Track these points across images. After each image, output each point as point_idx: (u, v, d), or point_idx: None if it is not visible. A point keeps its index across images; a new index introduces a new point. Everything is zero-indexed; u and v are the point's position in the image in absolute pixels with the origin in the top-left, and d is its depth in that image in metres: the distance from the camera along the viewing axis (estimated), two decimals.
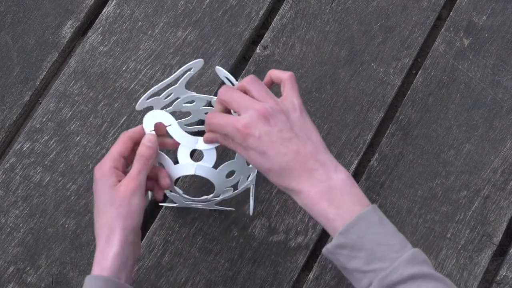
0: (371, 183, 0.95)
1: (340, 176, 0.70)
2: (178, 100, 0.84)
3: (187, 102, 0.86)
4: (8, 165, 0.94)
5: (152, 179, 0.79)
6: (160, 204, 0.92)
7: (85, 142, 0.95)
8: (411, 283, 0.66)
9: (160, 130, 0.78)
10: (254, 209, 0.93)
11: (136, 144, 0.77)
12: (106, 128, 0.96)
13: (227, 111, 0.77)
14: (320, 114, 0.97)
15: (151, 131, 0.77)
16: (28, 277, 0.91)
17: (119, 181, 0.74)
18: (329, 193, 0.70)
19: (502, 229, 0.94)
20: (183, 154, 0.78)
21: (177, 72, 0.78)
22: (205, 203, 0.86)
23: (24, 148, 0.95)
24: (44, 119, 0.96)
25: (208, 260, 0.92)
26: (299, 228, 0.93)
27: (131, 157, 0.77)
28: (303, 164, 0.70)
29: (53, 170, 0.94)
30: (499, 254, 0.96)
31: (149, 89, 0.97)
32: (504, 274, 0.93)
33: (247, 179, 0.86)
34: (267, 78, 0.78)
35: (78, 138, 0.95)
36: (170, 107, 0.85)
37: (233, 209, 0.92)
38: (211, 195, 0.83)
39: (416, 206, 0.94)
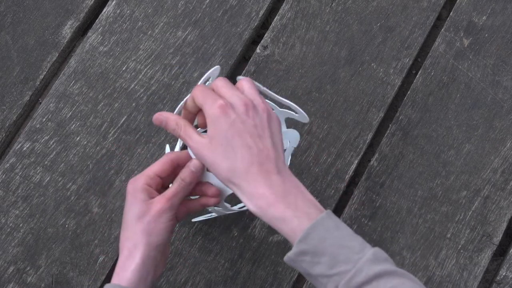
0: (371, 183, 0.95)
1: (294, 183, 0.70)
2: None
3: None
4: (8, 165, 0.94)
5: (196, 193, 0.78)
6: (192, 220, 0.91)
7: (85, 142, 0.95)
8: (376, 282, 0.65)
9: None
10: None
11: (177, 167, 0.76)
12: (106, 128, 0.96)
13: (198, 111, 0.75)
14: (320, 114, 0.97)
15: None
16: (28, 277, 0.91)
17: (151, 198, 0.74)
18: (284, 196, 0.69)
19: (502, 229, 0.94)
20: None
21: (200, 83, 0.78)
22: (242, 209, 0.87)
23: (24, 148, 0.95)
24: (44, 119, 0.96)
25: (208, 260, 0.92)
26: None
27: (169, 179, 0.76)
28: (263, 164, 0.69)
29: (53, 170, 0.94)
30: (499, 254, 0.96)
31: (149, 89, 0.97)
32: (504, 274, 0.93)
33: None
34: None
35: (78, 138, 0.95)
36: None
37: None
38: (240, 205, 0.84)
39: (416, 206, 0.94)
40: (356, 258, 0.66)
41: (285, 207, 0.68)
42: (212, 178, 0.77)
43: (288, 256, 0.68)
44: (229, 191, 0.77)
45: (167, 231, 0.74)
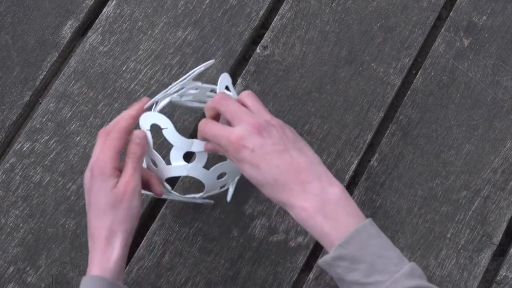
0: (371, 183, 0.95)
1: (335, 190, 0.70)
2: (182, 90, 0.84)
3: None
4: (8, 165, 0.94)
5: (143, 182, 0.78)
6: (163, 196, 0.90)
7: (85, 142, 0.95)
8: None
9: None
10: (232, 198, 0.92)
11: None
12: None
13: (217, 117, 0.77)
14: (320, 114, 0.97)
15: (147, 130, 0.77)
16: (28, 277, 0.91)
17: (118, 175, 0.74)
18: (324, 207, 0.69)
19: (502, 229, 0.94)
20: (176, 156, 0.78)
21: (192, 72, 0.79)
22: (190, 199, 0.87)
23: (24, 148, 0.95)
24: (44, 119, 0.96)
25: (208, 260, 0.92)
26: (299, 228, 0.93)
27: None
28: (297, 176, 0.70)
29: (53, 170, 0.94)
30: (499, 254, 0.96)
31: (149, 89, 0.97)
32: (504, 274, 0.93)
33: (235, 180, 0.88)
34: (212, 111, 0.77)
35: (78, 138, 0.95)
36: (175, 94, 0.85)
37: (212, 202, 0.91)
38: (200, 194, 0.84)
39: (416, 206, 0.94)
40: (394, 270, 0.67)
41: (323, 219, 0.68)
42: (158, 159, 0.77)
43: (325, 259, 0.68)
44: (169, 175, 0.78)
45: (138, 215, 0.75)
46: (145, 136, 0.77)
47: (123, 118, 0.77)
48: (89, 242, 0.75)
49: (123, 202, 0.73)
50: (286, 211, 0.71)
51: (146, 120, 0.78)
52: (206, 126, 0.74)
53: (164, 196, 0.83)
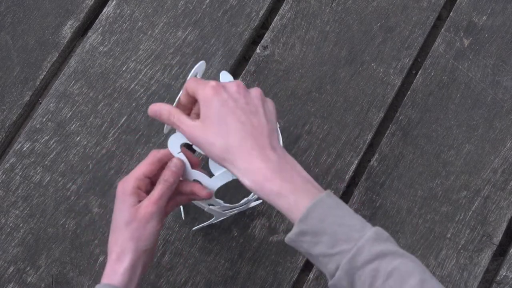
0: (371, 183, 0.95)
1: (290, 160, 0.70)
2: None
3: None
4: (8, 165, 0.94)
5: (185, 194, 0.78)
6: (193, 229, 0.92)
7: (85, 142, 0.95)
8: (379, 261, 0.65)
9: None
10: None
11: (164, 164, 0.76)
12: (106, 128, 0.96)
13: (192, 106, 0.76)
14: (320, 114, 0.97)
15: (178, 153, 0.76)
16: (28, 277, 0.91)
17: (140, 201, 0.74)
18: (281, 171, 0.68)
19: (502, 229, 0.94)
20: (214, 166, 0.77)
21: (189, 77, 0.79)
22: (240, 207, 0.86)
23: (24, 148, 0.95)
24: (44, 119, 0.96)
25: (208, 260, 0.92)
26: None
27: (157, 177, 0.76)
28: (257, 139, 0.69)
29: (53, 170, 0.94)
30: (499, 254, 0.96)
31: (149, 89, 0.97)
32: (504, 274, 0.93)
33: None
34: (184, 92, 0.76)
35: (78, 138, 0.95)
36: None
37: (260, 201, 0.90)
38: (246, 198, 0.83)
39: (416, 206, 0.94)
40: (357, 237, 0.65)
41: (282, 182, 0.67)
42: (199, 175, 0.77)
43: (289, 236, 0.68)
44: (216, 187, 0.77)
45: (154, 236, 0.74)
46: (183, 166, 0.76)
47: (162, 150, 0.77)
48: (107, 254, 0.76)
49: (138, 222, 0.73)
50: (234, 173, 0.69)
51: (175, 141, 0.76)
52: (193, 80, 0.73)
53: (214, 209, 0.83)
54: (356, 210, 0.94)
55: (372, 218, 0.94)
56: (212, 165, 0.77)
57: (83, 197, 0.93)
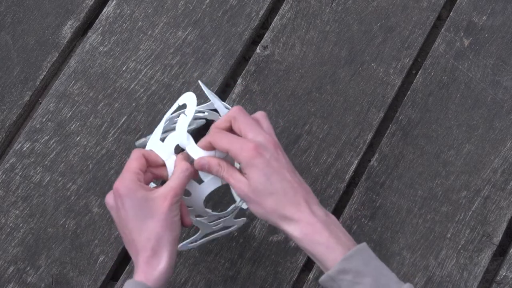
0: (371, 183, 0.95)
1: (333, 217, 0.73)
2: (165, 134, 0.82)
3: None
4: (8, 165, 0.94)
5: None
6: (180, 249, 0.87)
7: (85, 142, 0.95)
8: None
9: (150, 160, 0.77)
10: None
11: (148, 162, 0.76)
12: (106, 128, 0.96)
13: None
14: (320, 114, 0.97)
15: (167, 160, 0.76)
16: (28, 277, 0.91)
17: (149, 191, 0.73)
18: (328, 225, 0.71)
19: (502, 229, 0.94)
20: (204, 173, 0.77)
21: (167, 115, 0.79)
22: (226, 222, 0.85)
23: (24, 148, 0.95)
24: (44, 119, 0.96)
25: (208, 260, 0.92)
26: None
27: (146, 176, 0.75)
28: (304, 195, 0.72)
29: (53, 170, 0.94)
30: (499, 254, 0.96)
31: (149, 89, 0.97)
32: (504, 274, 0.93)
33: None
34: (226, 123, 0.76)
35: (78, 138, 0.95)
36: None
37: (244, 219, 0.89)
38: (234, 205, 0.83)
39: (416, 206, 0.94)
40: (396, 287, 0.69)
41: (329, 235, 0.70)
42: (190, 183, 0.76)
43: (328, 274, 0.69)
44: (206, 193, 0.76)
45: (179, 224, 0.74)
46: (192, 172, 0.75)
47: (140, 149, 0.77)
48: (131, 254, 0.74)
49: (163, 213, 0.72)
50: (282, 227, 0.72)
51: (171, 141, 0.76)
52: (220, 134, 0.73)
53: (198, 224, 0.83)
54: (356, 210, 0.94)
55: (372, 218, 0.94)
56: (201, 173, 0.77)
57: (83, 197, 0.93)
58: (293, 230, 0.71)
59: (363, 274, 0.68)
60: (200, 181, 0.77)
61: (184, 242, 0.85)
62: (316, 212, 0.71)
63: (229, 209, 0.83)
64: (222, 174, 0.74)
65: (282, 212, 0.71)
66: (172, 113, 0.82)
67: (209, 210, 0.80)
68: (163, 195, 0.72)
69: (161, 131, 0.79)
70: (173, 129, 0.80)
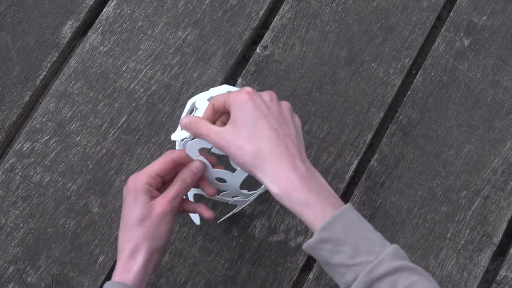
0: (371, 183, 0.95)
1: (316, 173, 0.71)
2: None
3: None
4: (8, 165, 0.94)
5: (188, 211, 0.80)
6: (218, 221, 0.92)
7: (85, 142, 0.95)
8: (396, 275, 0.65)
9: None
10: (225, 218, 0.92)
11: (178, 166, 0.76)
12: (106, 128, 0.96)
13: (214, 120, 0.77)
14: (320, 114, 0.97)
15: (198, 156, 0.76)
16: (28, 277, 0.91)
17: (152, 198, 0.74)
18: (309, 181, 0.69)
19: (502, 229, 0.94)
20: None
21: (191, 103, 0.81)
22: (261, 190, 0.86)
23: (24, 148, 0.95)
24: (44, 119, 0.96)
25: (208, 260, 0.92)
26: (299, 228, 0.93)
27: (170, 177, 0.76)
28: (288, 148, 0.69)
29: (53, 170, 0.94)
30: (499, 254, 0.96)
31: (149, 89, 0.97)
32: (504, 274, 0.93)
33: None
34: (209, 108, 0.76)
35: (78, 138, 0.95)
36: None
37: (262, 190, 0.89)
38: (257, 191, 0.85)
39: (416, 206, 0.94)
40: (378, 251, 0.66)
41: (309, 192, 0.68)
42: (221, 173, 0.78)
43: (308, 243, 0.68)
44: (242, 179, 0.78)
45: (167, 234, 0.74)
46: (203, 169, 0.76)
47: (178, 151, 0.77)
48: (118, 251, 0.75)
49: (151, 219, 0.73)
50: (260, 179, 0.69)
51: (194, 148, 0.76)
52: (219, 96, 0.74)
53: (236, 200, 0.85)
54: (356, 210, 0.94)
55: (372, 218, 0.94)
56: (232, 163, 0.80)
57: (83, 197, 0.93)
58: (271, 184, 0.69)
59: (343, 242, 0.66)
60: (233, 170, 0.79)
61: (225, 217, 0.89)
62: (299, 167, 0.69)
63: (262, 187, 0.85)
64: (200, 131, 0.73)
65: (260, 163, 0.69)
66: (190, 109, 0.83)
67: (245, 191, 0.82)
68: (159, 203, 0.73)
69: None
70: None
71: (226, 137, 0.70)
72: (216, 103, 0.74)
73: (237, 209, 0.90)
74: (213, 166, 0.78)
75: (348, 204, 0.69)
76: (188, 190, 0.76)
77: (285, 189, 0.68)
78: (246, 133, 0.69)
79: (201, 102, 0.80)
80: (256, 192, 0.86)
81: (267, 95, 0.72)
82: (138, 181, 0.74)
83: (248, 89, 0.72)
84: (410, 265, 0.67)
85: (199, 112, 0.78)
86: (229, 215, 0.91)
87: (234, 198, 0.84)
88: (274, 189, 0.69)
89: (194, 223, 0.92)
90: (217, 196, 0.82)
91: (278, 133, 0.70)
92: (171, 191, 0.74)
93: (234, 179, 0.78)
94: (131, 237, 0.73)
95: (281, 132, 0.70)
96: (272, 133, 0.69)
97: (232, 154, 0.71)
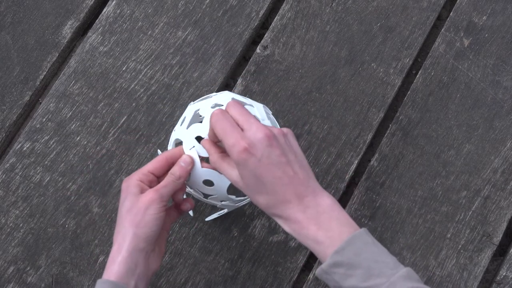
0: (371, 183, 0.95)
1: (327, 201, 0.71)
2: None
3: None
4: (8, 165, 0.94)
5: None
6: (206, 219, 0.92)
7: (85, 142, 0.95)
8: None
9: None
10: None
11: (171, 164, 0.78)
12: (106, 128, 0.96)
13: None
14: (320, 114, 0.97)
15: (191, 149, 0.78)
16: (28, 277, 0.91)
17: (143, 192, 0.76)
18: (317, 217, 0.70)
19: (502, 229, 0.94)
20: None
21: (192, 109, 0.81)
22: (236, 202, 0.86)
23: (24, 148, 0.95)
24: (44, 119, 0.96)
25: (208, 260, 0.92)
26: None
27: (164, 177, 0.78)
28: (295, 190, 0.71)
29: (53, 170, 0.94)
30: (499, 254, 0.96)
31: (149, 89, 0.97)
32: (504, 274, 0.93)
33: None
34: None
35: (78, 138, 0.95)
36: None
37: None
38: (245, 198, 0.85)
39: (416, 206, 0.94)
40: (390, 273, 0.68)
41: (318, 229, 0.70)
42: (209, 174, 0.78)
43: (322, 268, 0.69)
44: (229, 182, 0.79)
45: (155, 223, 0.75)
46: (191, 162, 0.78)
47: (171, 150, 0.80)
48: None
49: (137, 207, 0.74)
50: (276, 221, 0.73)
51: (191, 134, 0.78)
52: (221, 117, 0.73)
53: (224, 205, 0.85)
54: (356, 210, 0.94)
55: (372, 218, 0.94)
56: None
57: (83, 197, 0.93)
58: (284, 226, 0.72)
59: (355, 265, 0.68)
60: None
61: (211, 217, 0.89)
62: (308, 207, 0.71)
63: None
64: (218, 166, 0.75)
65: (272, 211, 0.72)
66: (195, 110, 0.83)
67: (233, 196, 0.82)
68: (146, 193, 0.75)
69: (187, 123, 0.81)
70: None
71: (239, 184, 0.73)
72: (217, 134, 0.74)
73: (224, 212, 0.90)
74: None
75: (363, 229, 0.71)
76: (179, 184, 0.77)
77: (294, 230, 0.71)
78: (254, 188, 0.72)
79: (205, 110, 0.81)
80: (244, 200, 0.85)
81: (264, 140, 0.71)
82: (130, 179, 0.77)
83: (243, 144, 0.70)
84: (423, 287, 0.68)
85: (206, 121, 0.79)
86: (215, 215, 0.91)
87: (223, 203, 0.84)
88: (287, 229, 0.72)
89: (194, 224, 0.92)
90: (205, 199, 0.83)
91: (282, 179, 0.71)
92: (160, 183, 0.77)
93: (222, 182, 0.79)
94: (120, 229, 0.75)
95: (285, 178, 0.71)
96: (277, 185, 0.71)
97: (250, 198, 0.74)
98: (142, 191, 0.76)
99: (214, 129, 0.73)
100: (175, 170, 0.77)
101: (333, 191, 0.94)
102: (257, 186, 0.71)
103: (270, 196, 0.71)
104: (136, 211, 0.74)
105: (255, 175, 0.71)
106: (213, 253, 0.92)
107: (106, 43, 0.99)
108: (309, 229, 0.70)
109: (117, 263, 0.73)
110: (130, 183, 0.76)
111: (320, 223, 0.70)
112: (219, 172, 0.76)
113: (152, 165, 0.78)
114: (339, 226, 0.70)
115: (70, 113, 0.96)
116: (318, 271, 0.70)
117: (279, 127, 0.84)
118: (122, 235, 0.74)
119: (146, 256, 0.75)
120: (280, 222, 0.72)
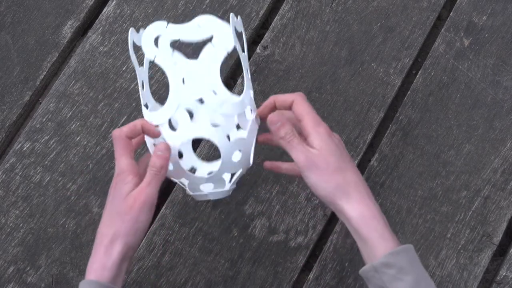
0: (371, 183, 0.95)
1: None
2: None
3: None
4: (8, 165, 0.94)
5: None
6: (197, 200, 0.88)
7: (85, 142, 0.95)
8: None
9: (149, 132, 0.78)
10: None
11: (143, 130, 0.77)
12: (106, 128, 0.96)
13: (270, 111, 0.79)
14: (320, 114, 0.96)
15: (156, 126, 0.77)
16: (28, 277, 0.91)
17: (136, 184, 0.75)
18: (382, 216, 0.73)
19: (502, 229, 0.94)
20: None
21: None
22: (220, 189, 0.83)
23: (24, 148, 0.95)
24: (44, 119, 0.96)
25: (208, 260, 0.92)
26: (299, 228, 0.93)
27: (137, 140, 0.79)
28: (364, 183, 0.74)
29: (53, 170, 0.94)
30: (499, 254, 0.96)
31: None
32: (504, 274, 0.93)
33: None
34: (269, 102, 0.79)
35: (78, 138, 0.95)
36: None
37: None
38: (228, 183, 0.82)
39: (416, 206, 0.94)
40: None
41: (385, 226, 0.72)
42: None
43: (373, 264, 0.70)
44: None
45: (144, 230, 0.74)
46: (168, 149, 0.76)
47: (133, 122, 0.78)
48: (94, 244, 0.76)
49: (129, 215, 0.73)
50: (339, 203, 0.72)
51: (149, 34, 0.78)
52: (301, 101, 0.76)
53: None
54: None
55: None
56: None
57: (83, 197, 0.93)
58: (353, 209, 0.72)
59: (406, 271, 0.69)
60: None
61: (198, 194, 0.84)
62: (374, 201, 0.73)
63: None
64: (286, 143, 0.74)
65: (347, 189, 0.72)
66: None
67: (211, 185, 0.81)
68: (134, 194, 0.74)
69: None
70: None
71: (314, 159, 0.73)
72: (279, 103, 0.77)
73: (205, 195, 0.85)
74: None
75: (411, 245, 0.72)
76: (163, 175, 0.75)
77: (365, 216, 0.72)
78: (335, 162, 0.73)
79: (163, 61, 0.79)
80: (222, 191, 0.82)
81: (336, 136, 0.77)
82: (123, 172, 0.75)
83: (326, 126, 0.75)
84: None
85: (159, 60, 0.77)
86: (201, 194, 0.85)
87: (196, 193, 0.82)
88: (355, 213, 0.72)
89: (194, 224, 0.92)
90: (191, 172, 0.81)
91: (355, 169, 0.75)
92: (144, 180, 0.75)
93: (196, 179, 0.79)
94: (109, 232, 0.74)
95: (355, 169, 0.75)
96: (354, 169, 0.74)
97: (317, 177, 0.73)
98: (134, 178, 0.74)
99: (296, 105, 0.75)
100: (155, 162, 0.75)
101: None
102: (339, 162, 0.73)
103: (350, 175, 0.72)
104: (127, 218, 0.73)
105: (338, 149, 0.73)
106: (213, 253, 0.92)
107: (106, 43, 0.99)
108: (379, 222, 0.71)
109: (107, 268, 0.73)
110: (124, 178, 0.74)
111: (385, 221, 0.73)
112: (294, 148, 0.74)
113: (130, 142, 0.77)
114: (391, 233, 0.72)
115: (70, 113, 0.96)
116: (367, 267, 0.71)
117: (245, 44, 0.83)
118: (111, 241, 0.73)
119: (128, 262, 0.75)
120: (348, 204, 0.72)
